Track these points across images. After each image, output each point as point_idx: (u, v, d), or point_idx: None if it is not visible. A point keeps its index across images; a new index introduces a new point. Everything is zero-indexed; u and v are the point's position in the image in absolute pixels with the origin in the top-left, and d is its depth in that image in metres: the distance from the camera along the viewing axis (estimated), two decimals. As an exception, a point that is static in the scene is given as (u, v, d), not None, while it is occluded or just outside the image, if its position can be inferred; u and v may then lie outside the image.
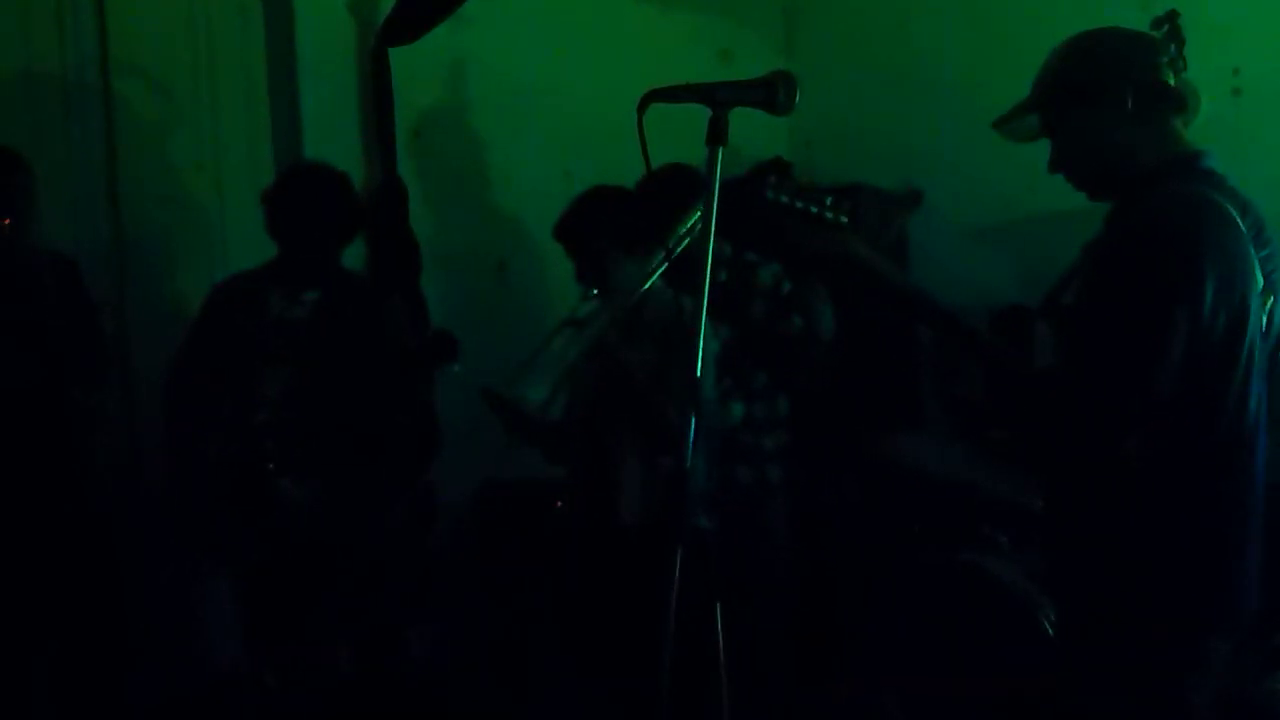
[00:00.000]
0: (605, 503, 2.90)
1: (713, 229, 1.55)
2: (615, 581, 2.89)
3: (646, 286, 2.58)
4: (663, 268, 2.49)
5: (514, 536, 3.74)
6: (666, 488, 2.88)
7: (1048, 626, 2.77)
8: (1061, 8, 3.84)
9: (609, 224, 2.81)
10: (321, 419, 2.90)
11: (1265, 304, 1.82)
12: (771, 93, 1.59)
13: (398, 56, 3.74)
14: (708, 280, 1.54)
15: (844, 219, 1.77)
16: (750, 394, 3.28)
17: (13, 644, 2.93)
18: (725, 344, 3.16)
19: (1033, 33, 3.95)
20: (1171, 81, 1.88)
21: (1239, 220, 1.78)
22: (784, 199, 1.76)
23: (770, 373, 3.28)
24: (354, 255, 3.58)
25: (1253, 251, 1.78)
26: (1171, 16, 3.59)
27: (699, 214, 1.71)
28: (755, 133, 3.49)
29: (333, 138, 3.71)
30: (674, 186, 2.81)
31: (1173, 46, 3.58)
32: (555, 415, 2.61)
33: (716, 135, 1.57)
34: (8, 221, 2.83)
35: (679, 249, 2.46)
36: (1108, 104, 1.86)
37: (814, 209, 1.77)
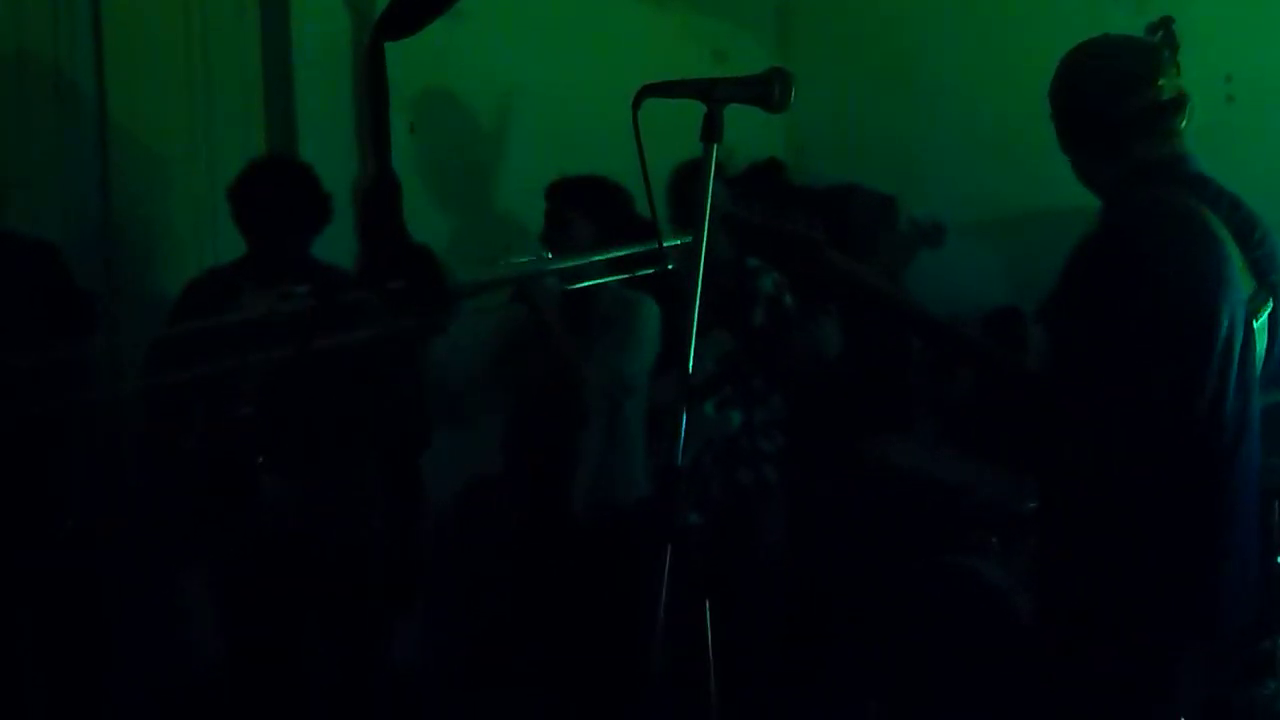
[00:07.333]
0: (551, 493, 2.94)
1: (705, 228, 1.55)
2: (573, 573, 2.93)
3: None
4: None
5: (500, 534, 3.73)
6: (618, 479, 2.99)
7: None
8: (1056, 9, 3.86)
9: (598, 207, 2.99)
10: (306, 413, 2.89)
11: (1261, 308, 1.82)
12: (767, 89, 1.58)
13: (393, 51, 3.72)
14: (700, 278, 1.54)
15: (816, 232, 1.82)
16: (749, 399, 3.30)
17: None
18: (726, 355, 3.21)
19: (1026, 33, 3.99)
20: (1164, 95, 1.91)
21: (1216, 228, 1.78)
22: (745, 216, 1.80)
23: (768, 377, 3.31)
24: (346, 250, 3.58)
25: (1233, 256, 1.78)
26: (1166, 22, 3.57)
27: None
28: (750, 134, 3.48)
29: (327, 131, 3.70)
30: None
31: (1166, 52, 3.59)
32: None
33: (711, 131, 1.57)
34: None
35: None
36: (1092, 132, 1.94)
37: (774, 224, 1.81)
